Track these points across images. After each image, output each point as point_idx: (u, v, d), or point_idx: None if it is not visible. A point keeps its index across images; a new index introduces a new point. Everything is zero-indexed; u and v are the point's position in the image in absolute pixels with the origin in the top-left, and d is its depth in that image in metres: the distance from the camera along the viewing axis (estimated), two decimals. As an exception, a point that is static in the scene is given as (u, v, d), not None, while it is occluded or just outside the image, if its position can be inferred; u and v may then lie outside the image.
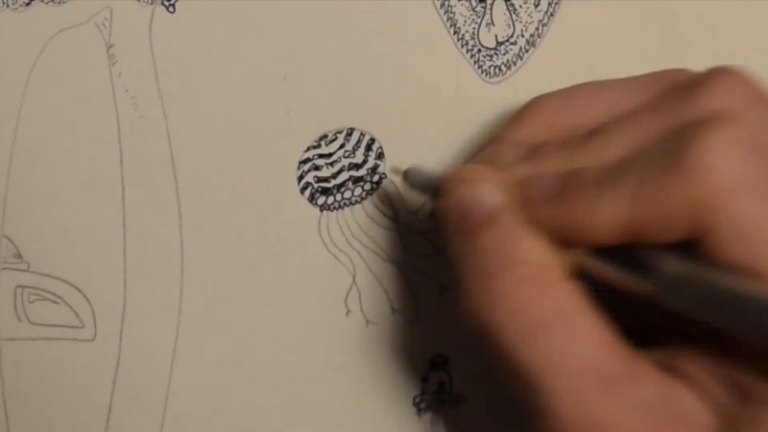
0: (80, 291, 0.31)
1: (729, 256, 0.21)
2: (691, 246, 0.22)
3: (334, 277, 0.31)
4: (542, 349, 0.23)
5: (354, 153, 0.30)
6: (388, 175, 0.30)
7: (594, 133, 0.25)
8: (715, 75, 0.24)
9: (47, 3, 0.30)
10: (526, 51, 0.29)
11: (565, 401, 0.22)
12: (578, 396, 0.22)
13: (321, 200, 0.30)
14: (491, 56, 0.29)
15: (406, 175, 0.28)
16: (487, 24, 0.29)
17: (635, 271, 0.23)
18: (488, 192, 0.25)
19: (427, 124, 0.30)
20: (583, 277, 0.24)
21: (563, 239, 0.24)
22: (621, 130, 0.24)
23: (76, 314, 0.31)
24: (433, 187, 0.27)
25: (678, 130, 0.22)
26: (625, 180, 0.22)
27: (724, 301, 0.21)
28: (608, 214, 0.22)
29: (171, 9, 0.29)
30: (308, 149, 0.30)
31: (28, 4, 0.30)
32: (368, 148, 0.30)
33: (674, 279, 0.22)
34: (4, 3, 0.30)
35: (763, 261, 0.21)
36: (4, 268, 0.31)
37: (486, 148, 0.27)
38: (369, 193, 0.30)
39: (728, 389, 0.22)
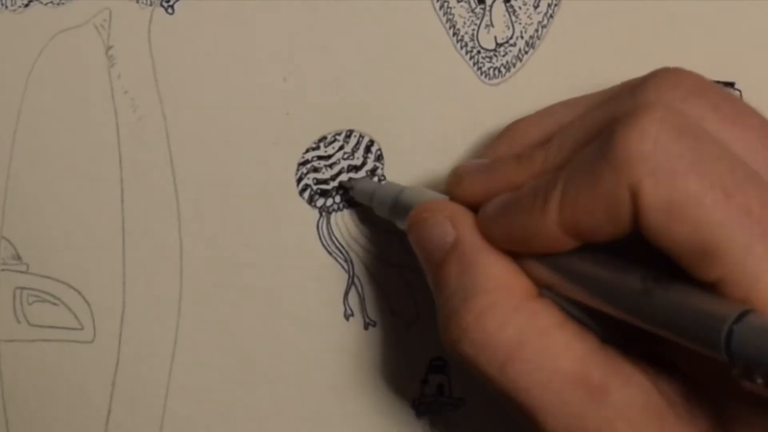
0: (79, 293, 0.31)
1: (664, 238, 0.21)
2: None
3: (333, 279, 0.31)
4: (521, 372, 0.23)
5: (353, 155, 0.30)
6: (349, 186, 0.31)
7: (543, 144, 0.25)
8: (652, 75, 0.25)
9: (46, 4, 0.30)
10: (526, 53, 0.30)
11: (556, 417, 0.23)
12: (567, 410, 0.23)
13: (320, 202, 0.30)
14: (491, 58, 0.29)
15: (354, 187, 0.30)
16: (487, 25, 0.29)
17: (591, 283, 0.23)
18: (438, 227, 0.26)
19: (426, 126, 0.30)
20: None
21: (521, 252, 0.24)
22: (562, 137, 0.25)
23: (75, 316, 0.32)
24: (378, 201, 0.29)
25: (605, 128, 0.23)
26: (556, 184, 0.23)
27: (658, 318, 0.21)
28: (547, 221, 0.23)
29: (170, 10, 0.30)
30: (307, 151, 0.30)
31: (26, 5, 0.30)
32: (367, 149, 0.30)
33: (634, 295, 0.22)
34: (2, 4, 0.30)
35: (695, 237, 0.21)
36: (3, 270, 0.31)
37: (450, 173, 0.28)
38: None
39: (717, 374, 0.22)
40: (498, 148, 0.28)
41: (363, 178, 0.30)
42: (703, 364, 0.22)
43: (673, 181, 0.21)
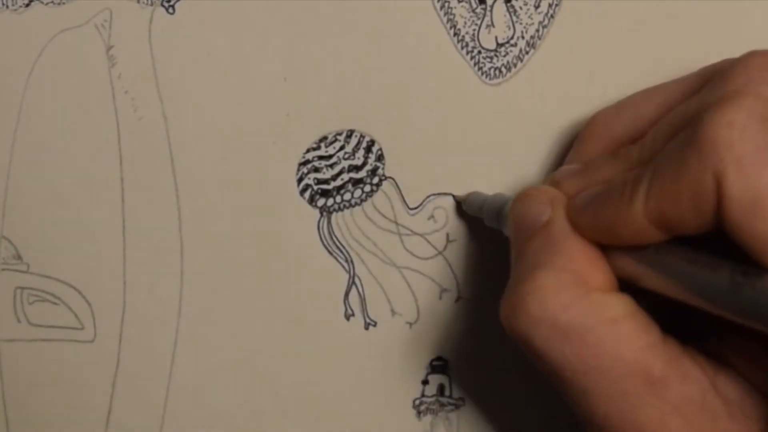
0: (80, 292, 0.31)
1: (746, 233, 0.21)
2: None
3: (333, 279, 0.31)
4: (582, 355, 0.23)
5: (354, 155, 0.30)
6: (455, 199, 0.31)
7: (637, 140, 0.25)
8: (742, 59, 0.24)
9: (47, 4, 0.30)
10: (527, 53, 0.29)
11: (610, 404, 0.23)
12: (624, 399, 0.23)
13: (321, 202, 0.30)
14: (491, 58, 0.29)
15: (466, 200, 0.30)
16: (488, 26, 0.29)
17: (679, 274, 0.23)
18: (538, 205, 0.26)
19: (427, 126, 0.30)
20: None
21: (608, 244, 0.24)
22: (655, 130, 0.24)
23: (76, 315, 0.32)
24: (487, 210, 0.29)
25: (691, 117, 0.23)
26: (644, 174, 0.23)
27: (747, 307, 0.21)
28: (633, 211, 0.23)
29: (171, 10, 0.29)
30: (308, 151, 0.30)
31: (27, 5, 0.30)
32: (368, 149, 0.30)
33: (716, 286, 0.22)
34: (3, 4, 0.30)
35: None
36: (3, 269, 0.31)
37: (547, 178, 0.29)
38: (369, 195, 0.30)
39: None
40: (585, 148, 0.28)
41: (474, 192, 0.31)
42: (762, 368, 0.22)
43: (759, 172, 0.20)
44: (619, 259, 0.24)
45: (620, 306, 0.24)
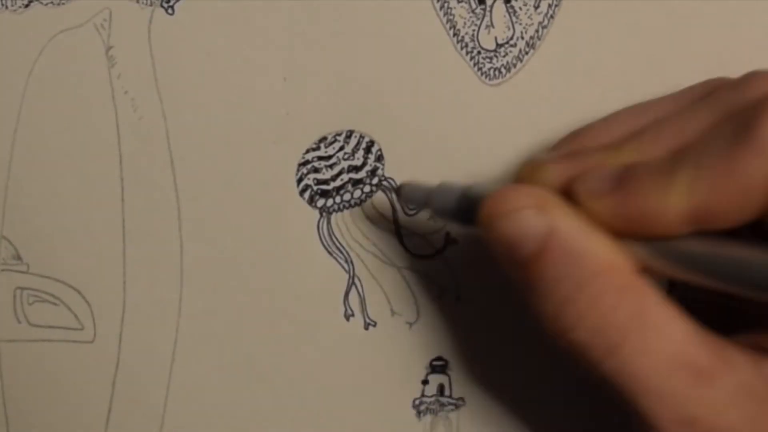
0: (79, 293, 0.31)
1: None
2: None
3: (333, 279, 0.31)
4: (630, 357, 0.22)
5: (353, 155, 0.30)
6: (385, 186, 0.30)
7: (638, 134, 0.24)
8: (756, 72, 0.24)
9: (46, 4, 0.30)
10: (526, 53, 0.29)
11: (663, 402, 0.22)
12: (675, 394, 0.22)
13: (320, 202, 0.30)
14: (491, 58, 0.29)
15: (400, 190, 0.28)
16: (487, 26, 0.29)
17: (704, 262, 0.23)
18: (531, 220, 0.24)
19: (427, 126, 0.30)
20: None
21: (628, 233, 0.23)
22: (671, 124, 0.24)
23: (76, 316, 0.31)
24: (432, 201, 0.27)
25: (739, 114, 0.22)
26: (690, 166, 0.22)
27: None
28: (674, 201, 0.22)
29: (170, 11, 0.29)
30: (308, 151, 0.30)
31: (27, 6, 0.30)
32: (368, 150, 0.30)
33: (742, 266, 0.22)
34: (3, 4, 0.30)
35: None
36: (3, 270, 0.31)
37: (523, 165, 0.26)
38: (368, 195, 0.30)
39: None
40: (562, 146, 0.27)
41: (412, 182, 0.29)
42: None
43: None
44: (637, 251, 0.23)
45: (652, 293, 0.23)
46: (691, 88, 0.26)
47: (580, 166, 0.24)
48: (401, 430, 0.32)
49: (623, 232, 0.23)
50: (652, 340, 0.22)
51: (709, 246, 0.22)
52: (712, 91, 0.25)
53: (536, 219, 0.23)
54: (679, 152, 0.22)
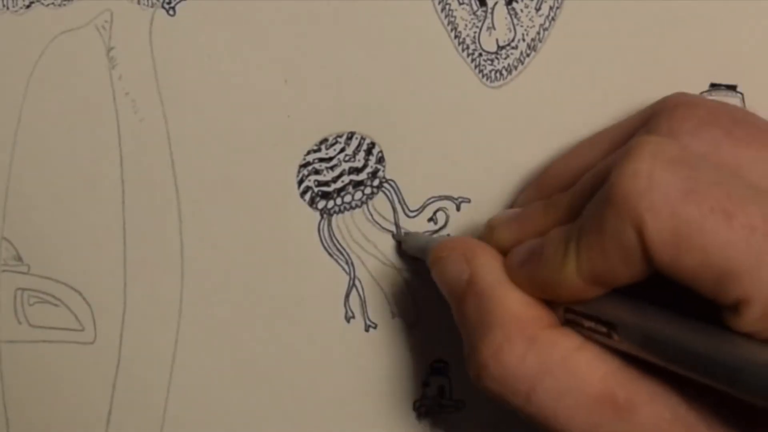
0: (80, 294, 0.32)
1: (678, 270, 0.22)
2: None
3: (334, 281, 0.31)
4: (547, 400, 0.24)
5: (354, 157, 0.30)
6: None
7: (567, 189, 0.26)
8: (664, 108, 0.26)
9: (47, 5, 0.30)
10: (528, 55, 0.30)
11: None
12: (599, 428, 0.23)
13: (321, 204, 0.30)
14: (492, 60, 0.29)
15: (405, 241, 0.31)
16: (488, 28, 0.29)
17: (604, 325, 0.24)
18: (454, 265, 0.27)
19: (428, 128, 0.30)
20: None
21: (550, 300, 0.25)
22: (582, 182, 0.25)
23: (76, 317, 0.32)
24: (407, 246, 0.30)
25: (605, 170, 0.23)
26: (575, 237, 0.23)
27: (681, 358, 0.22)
28: (569, 272, 0.23)
29: (171, 12, 0.30)
30: (308, 153, 0.30)
31: (28, 7, 0.30)
32: (368, 152, 0.30)
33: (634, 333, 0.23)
34: (4, 5, 0.30)
35: (705, 263, 0.21)
36: (4, 271, 0.32)
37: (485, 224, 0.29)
38: (369, 197, 0.30)
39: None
40: (529, 193, 0.29)
41: (411, 233, 0.31)
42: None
43: (673, 211, 0.21)
44: (560, 310, 0.25)
45: (568, 340, 0.24)
46: (632, 119, 0.28)
47: (522, 230, 0.27)
48: (401, 431, 0.32)
49: (547, 299, 0.25)
50: (567, 383, 0.24)
51: (617, 305, 0.24)
52: (628, 130, 0.27)
53: (460, 266, 0.27)
54: (574, 224, 0.24)
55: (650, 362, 0.23)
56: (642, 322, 0.23)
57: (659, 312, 0.23)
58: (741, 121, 0.25)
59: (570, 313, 0.25)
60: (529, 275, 0.25)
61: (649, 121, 0.26)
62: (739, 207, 0.21)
